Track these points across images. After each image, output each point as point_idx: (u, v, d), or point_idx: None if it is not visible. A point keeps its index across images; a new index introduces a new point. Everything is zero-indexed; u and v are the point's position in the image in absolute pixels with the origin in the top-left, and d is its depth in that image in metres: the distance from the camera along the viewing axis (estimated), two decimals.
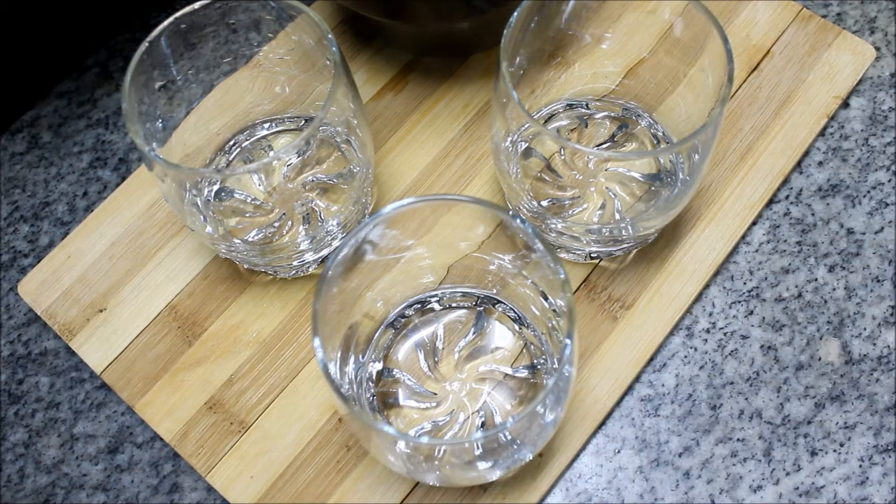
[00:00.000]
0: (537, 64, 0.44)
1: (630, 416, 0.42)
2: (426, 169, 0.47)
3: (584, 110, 0.45)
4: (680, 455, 0.41)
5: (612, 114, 0.45)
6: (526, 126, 0.41)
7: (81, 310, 0.44)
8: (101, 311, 0.44)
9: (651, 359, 0.43)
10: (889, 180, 0.46)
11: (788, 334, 0.43)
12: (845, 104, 0.48)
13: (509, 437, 0.34)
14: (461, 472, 0.35)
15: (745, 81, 0.48)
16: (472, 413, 0.39)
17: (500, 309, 0.41)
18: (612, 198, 0.43)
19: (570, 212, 0.43)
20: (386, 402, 0.40)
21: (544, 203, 0.43)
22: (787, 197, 0.46)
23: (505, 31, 0.38)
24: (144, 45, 0.38)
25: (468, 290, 0.41)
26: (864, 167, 0.47)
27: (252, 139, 0.45)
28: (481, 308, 0.41)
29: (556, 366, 0.38)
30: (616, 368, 0.42)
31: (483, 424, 0.39)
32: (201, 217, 0.42)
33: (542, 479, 0.40)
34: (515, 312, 0.41)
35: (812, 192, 0.46)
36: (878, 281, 0.44)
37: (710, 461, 0.41)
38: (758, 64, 0.48)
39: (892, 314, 0.44)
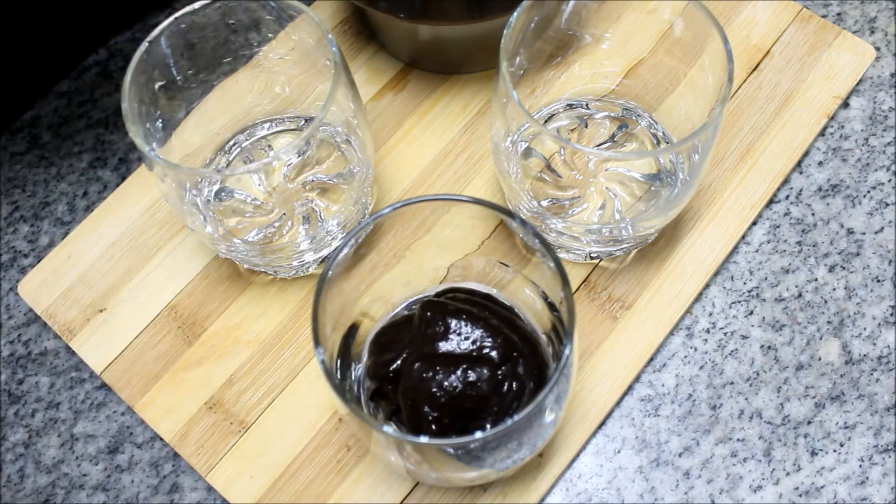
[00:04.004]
0: (537, 64, 0.44)
1: (630, 416, 0.42)
2: (426, 169, 0.47)
3: (584, 110, 0.45)
4: (680, 455, 0.41)
5: (612, 114, 0.45)
6: (526, 126, 0.41)
7: (81, 310, 0.44)
8: (101, 311, 0.44)
9: (651, 359, 0.43)
10: (889, 180, 0.46)
11: (788, 334, 0.43)
12: (845, 104, 0.48)
13: (510, 437, 0.34)
14: (461, 472, 0.35)
15: (745, 81, 0.48)
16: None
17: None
18: (612, 198, 0.43)
19: (570, 212, 0.43)
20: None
21: (544, 203, 0.43)
22: (787, 197, 0.46)
23: (505, 31, 0.38)
24: (144, 45, 0.38)
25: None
26: (864, 167, 0.47)
27: (252, 139, 0.45)
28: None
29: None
30: (616, 368, 0.42)
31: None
32: (201, 217, 0.42)
33: (542, 479, 0.40)
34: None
35: (812, 192, 0.46)
36: (878, 281, 0.44)
37: (710, 461, 0.41)
38: (758, 64, 0.48)
39: (892, 314, 0.43)
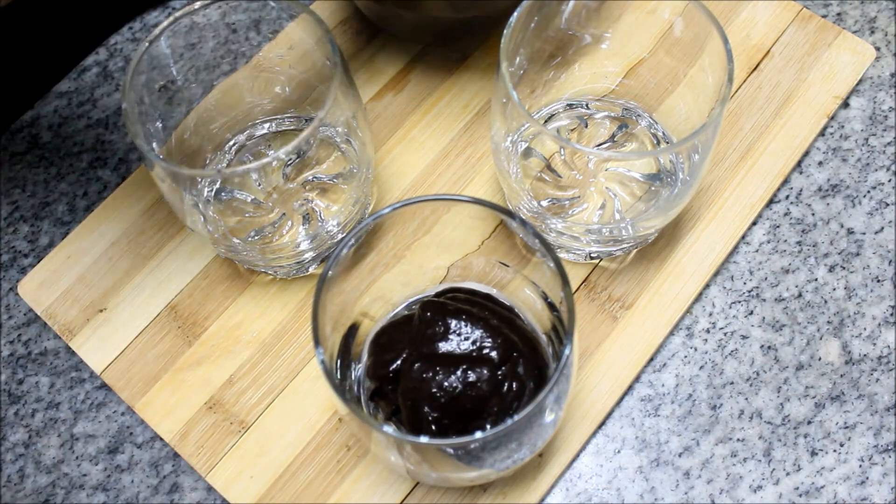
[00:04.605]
0: (537, 64, 0.44)
1: (630, 416, 0.42)
2: (426, 169, 0.47)
3: (584, 110, 0.45)
4: (680, 455, 0.41)
5: (612, 114, 0.45)
6: (526, 126, 0.41)
7: (81, 310, 0.44)
8: (101, 311, 0.44)
9: (651, 359, 0.43)
10: (889, 180, 0.46)
11: (788, 334, 0.43)
12: (845, 104, 0.48)
13: (510, 437, 0.34)
14: (461, 472, 0.35)
15: (745, 81, 0.48)
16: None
17: None
18: (612, 198, 0.43)
19: (570, 212, 0.43)
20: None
21: (544, 203, 0.43)
22: (787, 197, 0.46)
23: (505, 31, 0.38)
24: (144, 45, 0.38)
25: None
26: (864, 167, 0.47)
27: (252, 139, 0.45)
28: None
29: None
30: (616, 368, 0.42)
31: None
32: (201, 217, 0.42)
33: (542, 479, 0.40)
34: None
35: (812, 192, 0.46)
36: (878, 281, 0.44)
37: (710, 461, 0.41)
38: (758, 64, 0.48)
39: (892, 314, 0.43)
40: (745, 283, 0.44)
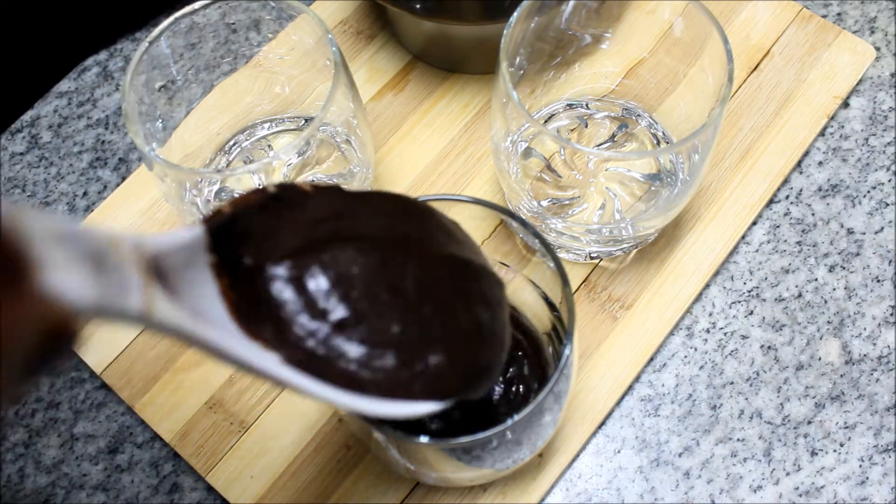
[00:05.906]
0: (537, 64, 0.44)
1: (630, 416, 0.42)
2: (426, 169, 0.47)
3: (584, 110, 0.45)
4: (680, 455, 0.41)
5: (612, 114, 0.45)
6: (526, 126, 0.41)
7: None
8: None
9: (651, 359, 0.43)
10: (889, 180, 0.46)
11: (788, 334, 0.43)
12: (845, 104, 0.48)
13: (510, 437, 0.34)
14: (461, 472, 0.35)
15: (745, 81, 0.48)
16: None
17: None
18: (612, 198, 0.43)
19: (570, 212, 0.43)
20: None
21: (544, 203, 0.43)
22: (787, 197, 0.46)
23: (505, 31, 0.38)
24: (144, 45, 0.38)
25: None
26: (864, 167, 0.47)
27: (252, 139, 0.45)
28: None
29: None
30: (616, 368, 0.42)
31: None
32: (201, 217, 0.42)
33: (542, 479, 0.40)
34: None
35: (812, 192, 0.46)
36: (878, 281, 0.44)
37: (710, 461, 0.41)
38: (758, 64, 0.48)
39: (892, 314, 0.43)
40: (745, 283, 0.44)
